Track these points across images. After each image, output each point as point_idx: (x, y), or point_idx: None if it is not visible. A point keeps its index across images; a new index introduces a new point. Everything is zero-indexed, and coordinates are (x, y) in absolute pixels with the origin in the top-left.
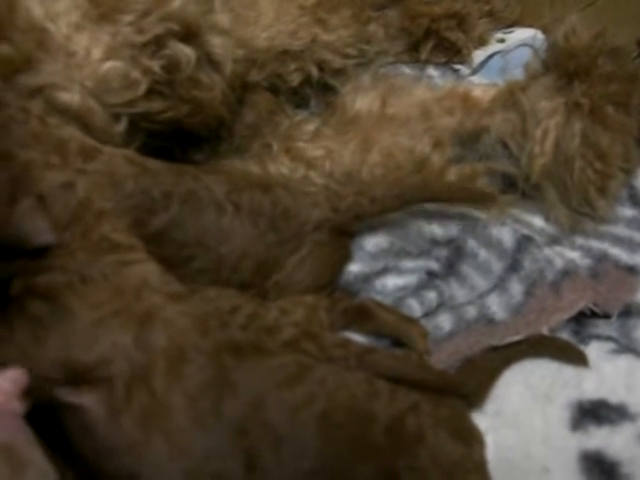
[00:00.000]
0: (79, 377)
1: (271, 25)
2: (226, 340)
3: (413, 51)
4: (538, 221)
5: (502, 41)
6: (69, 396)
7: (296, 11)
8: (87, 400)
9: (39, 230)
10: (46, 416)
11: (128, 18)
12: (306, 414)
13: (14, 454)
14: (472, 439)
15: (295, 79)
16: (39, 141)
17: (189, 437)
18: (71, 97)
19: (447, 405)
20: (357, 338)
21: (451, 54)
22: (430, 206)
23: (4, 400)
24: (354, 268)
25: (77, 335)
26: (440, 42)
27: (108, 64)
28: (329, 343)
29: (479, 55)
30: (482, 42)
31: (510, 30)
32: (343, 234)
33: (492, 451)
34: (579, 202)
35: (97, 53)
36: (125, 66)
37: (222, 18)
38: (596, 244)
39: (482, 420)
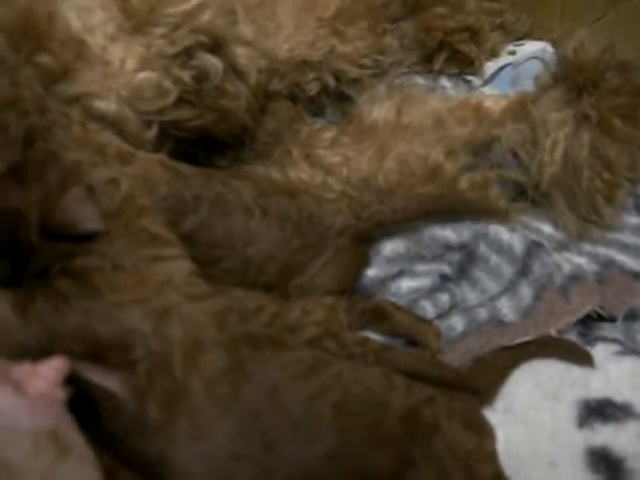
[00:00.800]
0: (99, 353)
1: (291, 36)
2: (243, 333)
3: (427, 62)
4: (547, 228)
5: (513, 53)
6: (93, 375)
7: (314, 23)
8: (113, 383)
9: (87, 217)
10: (83, 401)
11: (160, 31)
12: (321, 403)
13: (59, 439)
14: (484, 431)
15: (313, 88)
16: (81, 144)
17: (210, 419)
18: (107, 105)
19: (460, 399)
20: (374, 337)
21: (464, 65)
22: (442, 214)
23: (48, 388)
24: (371, 272)
25: (97, 313)
26: (453, 54)
27: (142, 74)
28: (349, 341)
29: (490, 67)
30: (494, 54)
31: (521, 43)
32: (363, 240)
33: (502, 446)
34: (587, 210)
35: (131, 63)
36: (157, 76)
37: (246, 30)
38: (603, 250)
39: (492, 416)
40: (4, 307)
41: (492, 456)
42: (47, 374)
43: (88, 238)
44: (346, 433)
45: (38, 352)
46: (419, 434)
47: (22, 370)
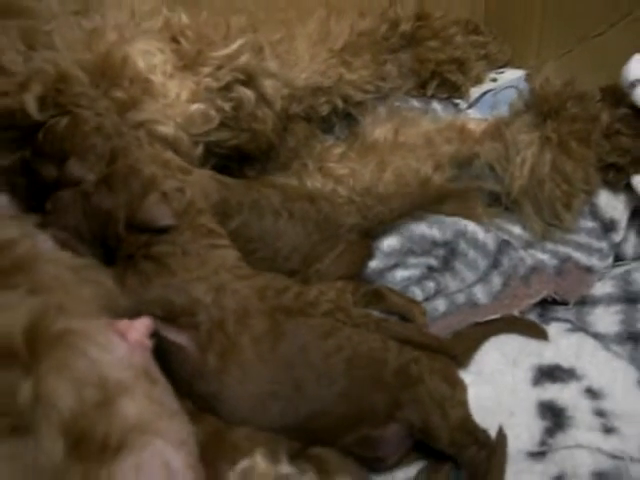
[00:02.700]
0: (173, 317)
1: (307, 67)
2: (278, 304)
3: (421, 88)
4: (516, 229)
5: (495, 80)
6: (169, 333)
7: (326, 54)
8: (183, 339)
9: (163, 216)
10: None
11: (207, 70)
12: (336, 358)
13: (149, 374)
14: (457, 385)
15: (324, 110)
16: (152, 160)
17: (254, 367)
18: (167, 129)
19: (440, 361)
20: (374, 314)
21: (452, 91)
22: (431, 216)
23: (140, 338)
24: (372, 264)
25: (172, 287)
26: (443, 81)
27: (193, 105)
28: (355, 314)
29: (475, 92)
30: (478, 80)
31: (502, 71)
32: (368, 236)
33: (472, 399)
34: (549, 215)
35: (185, 96)
36: (205, 106)
37: (272, 64)
38: (562, 248)
39: (466, 376)
40: (109, 281)
41: (463, 403)
42: (139, 328)
43: (163, 231)
44: (354, 381)
45: (132, 314)
46: (407, 384)
47: (123, 324)
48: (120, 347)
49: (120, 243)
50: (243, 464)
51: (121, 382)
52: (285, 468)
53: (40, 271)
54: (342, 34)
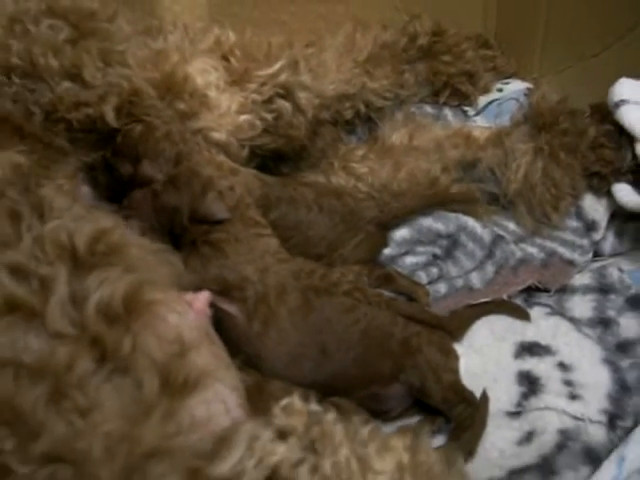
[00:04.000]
0: (226, 292)
1: (335, 77)
2: (309, 284)
3: (434, 96)
4: (511, 225)
5: (500, 90)
6: (223, 304)
7: (351, 64)
8: (234, 309)
9: (219, 210)
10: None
11: (253, 86)
12: (354, 329)
13: (210, 335)
14: (451, 355)
15: (349, 114)
16: (209, 163)
17: (289, 333)
18: (219, 135)
19: (438, 335)
20: (385, 293)
21: (462, 99)
22: (438, 212)
23: (203, 307)
24: (386, 251)
25: (226, 267)
26: (454, 91)
27: (242, 116)
28: (370, 294)
29: (482, 100)
30: (486, 90)
31: (507, 81)
32: (384, 228)
33: (463, 367)
34: (539, 215)
35: (234, 108)
36: (251, 117)
37: (306, 78)
38: (549, 244)
39: (459, 348)
40: (178, 262)
41: (454, 370)
42: (202, 299)
43: (219, 222)
44: (367, 348)
45: (194, 288)
46: (409, 352)
47: (189, 296)
48: (189, 314)
49: (184, 232)
50: (285, 401)
51: (191, 340)
52: (314, 407)
53: (130, 253)
54: (366, 46)
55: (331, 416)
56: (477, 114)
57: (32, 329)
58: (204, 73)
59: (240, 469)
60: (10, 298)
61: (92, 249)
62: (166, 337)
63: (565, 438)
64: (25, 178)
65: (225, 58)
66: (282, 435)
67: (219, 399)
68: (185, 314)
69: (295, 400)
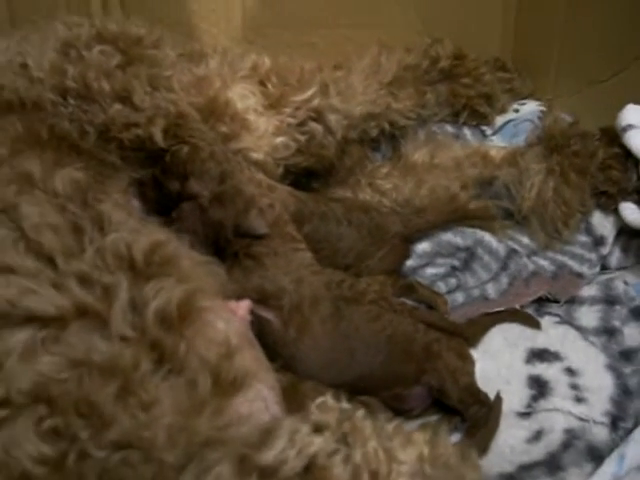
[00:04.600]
0: (265, 300)
1: (361, 99)
2: (339, 294)
3: (454, 116)
4: (524, 239)
5: (517, 111)
6: (261, 311)
7: (377, 86)
8: (271, 316)
9: (260, 226)
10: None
11: (288, 110)
12: (380, 335)
13: (251, 339)
14: (468, 360)
15: (374, 132)
16: (250, 181)
17: (321, 339)
18: (258, 155)
19: (456, 340)
20: (407, 302)
21: (480, 119)
22: (456, 227)
23: (244, 315)
24: (409, 263)
25: (266, 278)
26: (473, 111)
27: (278, 138)
28: (394, 302)
29: (499, 120)
30: (503, 110)
31: (523, 102)
32: (407, 241)
33: (479, 371)
34: (551, 230)
35: (271, 130)
36: (286, 138)
37: (335, 101)
38: (560, 257)
39: (475, 353)
40: (223, 273)
41: (470, 373)
42: (243, 307)
43: (260, 237)
44: (392, 353)
45: (237, 297)
46: (430, 357)
47: (232, 304)
48: (234, 320)
49: (228, 244)
50: (319, 400)
51: (236, 344)
52: (345, 405)
53: (181, 264)
54: (391, 69)
55: (360, 413)
56: (494, 133)
57: (99, 332)
58: (243, 98)
59: (283, 458)
60: (79, 304)
61: (148, 260)
62: (215, 341)
63: (571, 437)
64: (83, 193)
65: (262, 83)
66: (318, 429)
67: (260, 397)
68: (230, 320)
69: (328, 399)
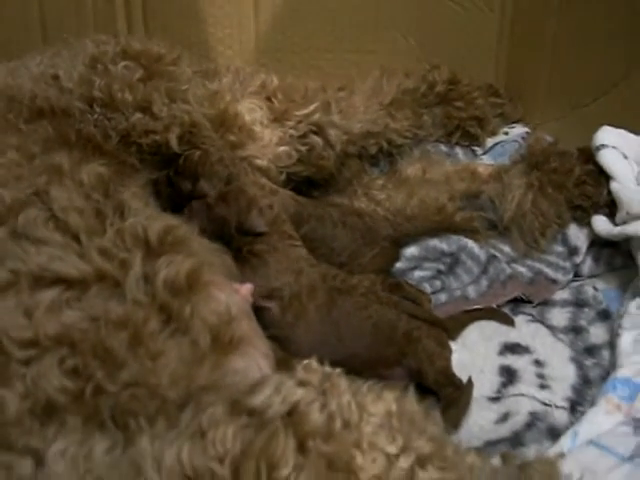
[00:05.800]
0: (269, 290)
1: (362, 118)
2: (333, 285)
3: (448, 136)
4: (506, 248)
5: (506, 133)
6: (264, 302)
7: (377, 106)
8: (271, 304)
9: (260, 225)
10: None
11: (291, 124)
12: (367, 322)
13: (251, 316)
14: (445, 346)
15: (373, 150)
16: (253, 184)
17: (315, 324)
18: (262, 162)
19: (436, 329)
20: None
21: (472, 140)
22: (443, 234)
23: (246, 294)
24: (398, 265)
25: (269, 274)
26: (465, 133)
27: (280, 148)
28: (382, 296)
29: (489, 142)
30: (493, 133)
31: (513, 126)
32: (397, 244)
33: (456, 361)
34: (529, 240)
35: (275, 141)
36: (288, 148)
37: (336, 118)
38: (537, 264)
39: (454, 345)
40: (229, 259)
41: (447, 358)
42: (246, 289)
43: (261, 234)
44: (376, 338)
45: (240, 281)
46: (410, 342)
47: (237, 286)
48: (235, 295)
49: (231, 240)
50: (305, 362)
51: (237, 313)
52: (327, 369)
53: (192, 245)
54: (390, 91)
55: (338, 372)
56: (484, 153)
57: (115, 295)
58: (251, 111)
59: (269, 402)
60: (99, 270)
61: (162, 240)
62: (217, 309)
63: (534, 419)
64: (106, 185)
65: (269, 99)
66: (301, 384)
67: (254, 361)
68: (232, 295)
69: (313, 362)
